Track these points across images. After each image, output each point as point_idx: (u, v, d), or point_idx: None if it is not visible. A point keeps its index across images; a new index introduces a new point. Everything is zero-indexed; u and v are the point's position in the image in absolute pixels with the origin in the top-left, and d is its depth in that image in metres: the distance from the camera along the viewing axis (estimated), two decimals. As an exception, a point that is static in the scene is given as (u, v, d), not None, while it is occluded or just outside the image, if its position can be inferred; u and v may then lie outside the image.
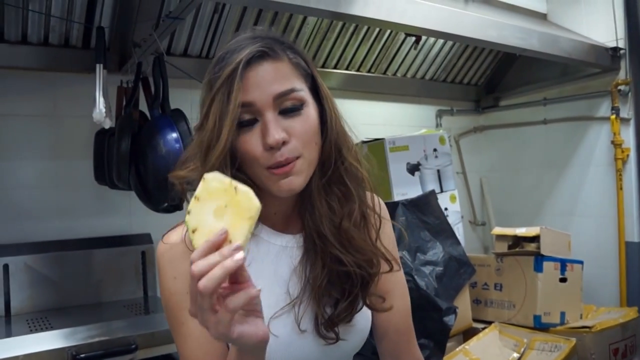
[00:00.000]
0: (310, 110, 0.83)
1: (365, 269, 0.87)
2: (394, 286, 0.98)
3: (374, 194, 0.94)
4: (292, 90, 0.80)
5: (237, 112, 0.77)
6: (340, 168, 0.86)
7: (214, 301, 0.63)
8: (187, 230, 0.67)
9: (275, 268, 0.88)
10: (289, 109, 0.81)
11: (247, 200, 0.66)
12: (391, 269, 0.92)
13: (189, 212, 0.67)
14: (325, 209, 0.86)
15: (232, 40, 0.84)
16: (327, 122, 0.86)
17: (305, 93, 0.83)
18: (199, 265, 0.62)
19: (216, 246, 0.64)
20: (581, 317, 2.35)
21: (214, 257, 0.63)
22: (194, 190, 0.75)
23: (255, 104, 0.79)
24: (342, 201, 0.87)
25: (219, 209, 0.66)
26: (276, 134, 0.78)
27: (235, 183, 0.67)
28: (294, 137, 0.80)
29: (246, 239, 0.65)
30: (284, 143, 0.79)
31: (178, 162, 0.85)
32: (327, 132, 0.85)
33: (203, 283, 0.61)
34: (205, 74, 0.83)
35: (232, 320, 0.64)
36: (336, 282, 0.87)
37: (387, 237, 0.97)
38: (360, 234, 0.88)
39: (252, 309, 0.68)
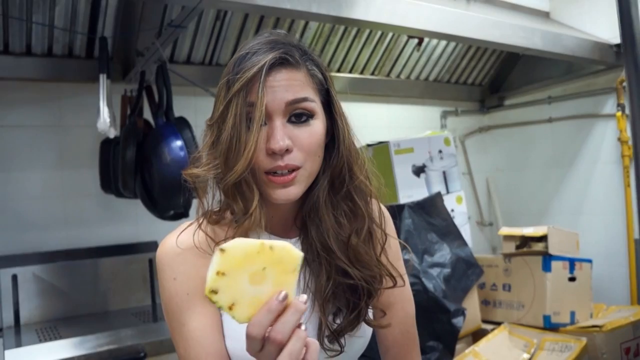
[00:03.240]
0: (318, 123, 0.83)
1: (371, 283, 0.87)
2: (396, 300, 0.98)
3: (382, 211, 0.94)
4: (304, 100, 0.80)
5: (263, 117, 0.77)
6: (349, 185, 0.87)
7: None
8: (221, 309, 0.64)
9: None
10: (298, 117, 0.81)
11: (288, 253, 0.64)
12: (394, 285, 0.91)
13: (215, 292, 0.63)
14: (333, 223, 0.86)
15: (254, 41, 0.83)
16: (340, 138, 0.86)
17: (316, 105, 0.83)
18: (282, 333, 0.63)
19: (280, 314, 0.63)
20: (591, 316, 2.33)
21: (293, 317, 0.63)
22: (206, 185, 0.80)
23: (267, 108, 0.78)
24: (349, 217, 0.87)
25: (256, 274, 0.63)
26: (281, 140, 0.78)
27: (267, 242, 0.64)
28: (298, 146, 0.80)
29: (295, 290, 0.65)
30: (287, 150, 0.79)
31: (191, 158, 0.85)
32: (338, 148, 0.85)
33: (279, 338, 0.63)
34: (223, 72, 0.83)
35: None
36: (341, 294, 0.87)
37: (393, 252, 0.96)
38: (367, 250, 0.88)
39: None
